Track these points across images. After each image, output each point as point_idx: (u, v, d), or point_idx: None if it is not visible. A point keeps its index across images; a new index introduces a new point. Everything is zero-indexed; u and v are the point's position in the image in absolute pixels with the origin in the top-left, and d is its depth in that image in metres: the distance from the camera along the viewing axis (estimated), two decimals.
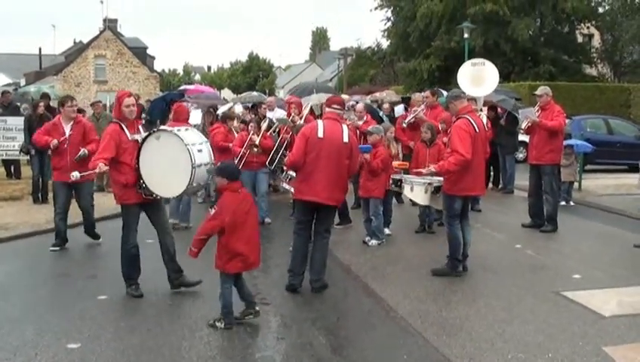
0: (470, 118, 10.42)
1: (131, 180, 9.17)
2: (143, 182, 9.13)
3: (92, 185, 13.37)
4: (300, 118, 13.90)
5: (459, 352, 7.45)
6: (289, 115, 14.64)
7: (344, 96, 26.75)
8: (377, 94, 30.89)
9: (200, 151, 9.13)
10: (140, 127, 9.58)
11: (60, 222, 12.43)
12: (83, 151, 11.88)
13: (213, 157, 9.51)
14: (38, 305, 9.26)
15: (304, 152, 9.51)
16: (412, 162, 13.45)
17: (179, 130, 9.27)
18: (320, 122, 9.79)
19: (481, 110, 16.45)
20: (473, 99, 16.09)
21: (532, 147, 14.11)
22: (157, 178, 9.13)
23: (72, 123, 12.22)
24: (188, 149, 8.90)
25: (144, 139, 9.16)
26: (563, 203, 16.92)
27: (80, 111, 18.47)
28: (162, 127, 9.54)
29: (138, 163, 9.13)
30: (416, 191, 11.29)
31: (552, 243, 13.01)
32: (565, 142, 16.81)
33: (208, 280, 9.84)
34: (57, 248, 12.31)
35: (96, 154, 9.36)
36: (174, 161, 8.98)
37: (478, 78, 16.85)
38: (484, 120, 16.17)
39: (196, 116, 18.04)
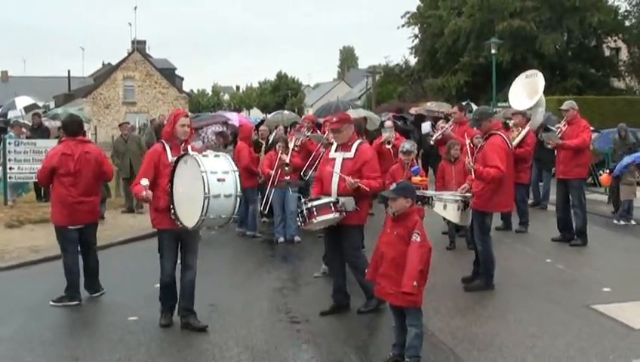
0: (504, 135, 10.52)
1: (162, 204, 8.66)
2: (173, 207, 8.54)
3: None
4: None
5: None
6: (324, 132, 14.71)
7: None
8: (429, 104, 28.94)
9: (221, 180, 8.21)
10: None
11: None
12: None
13: (239, 189, 8.38)
14: (69, 326, 9.38)
15: None
16: (437, 180, 13.46)
17: (204, 156, 8.43)
18: None
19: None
20: (521, 113, 15.88)
21: (559, 162, 14.05)
22: (183, 205, 8.44)
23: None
24: (202, 177, 8.04)
25: (176, 162, 8.56)
26: (622, 222, 16.54)
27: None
28: (190, 152, 8.61)
29: (172, 187, 8.58)
30: (450, 208, 10.59)
31: (583, 257, 12.96)
32: (632, 158, 16.75)
33: (239, 300, 9.93)
34: (58, 304, 10.20)
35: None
36: (194, 188, 8.14)
37: (532, 91, 16.62)
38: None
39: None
